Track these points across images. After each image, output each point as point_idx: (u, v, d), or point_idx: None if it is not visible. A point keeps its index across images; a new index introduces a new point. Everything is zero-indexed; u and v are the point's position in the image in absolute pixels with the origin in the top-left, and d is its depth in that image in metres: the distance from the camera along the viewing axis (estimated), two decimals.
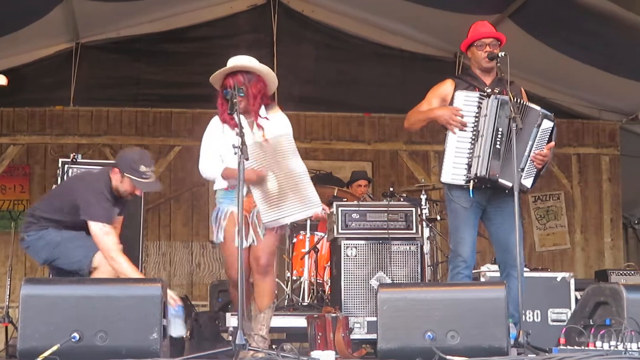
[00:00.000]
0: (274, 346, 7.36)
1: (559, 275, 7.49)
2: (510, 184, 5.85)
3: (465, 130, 5.97)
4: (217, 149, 5.88)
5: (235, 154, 5.33)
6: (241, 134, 5.37)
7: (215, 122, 5.99)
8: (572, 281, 7.44)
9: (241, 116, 5.72)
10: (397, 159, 12.08)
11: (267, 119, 5.99)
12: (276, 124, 6.02)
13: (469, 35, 6.29)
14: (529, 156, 5.99)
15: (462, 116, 5.96)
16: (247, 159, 5.32)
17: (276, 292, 8.46)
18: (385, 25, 11.45)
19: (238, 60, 6.01)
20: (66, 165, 8.05)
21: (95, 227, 5.91)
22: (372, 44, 11.60)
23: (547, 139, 6.05)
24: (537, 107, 6.06)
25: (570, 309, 7.24)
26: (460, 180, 5.98)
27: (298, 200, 5.81)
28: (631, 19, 9.03)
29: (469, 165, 5.94)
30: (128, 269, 5.80)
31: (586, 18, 9.31)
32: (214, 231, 5.91)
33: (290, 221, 5.98)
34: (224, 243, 5.87)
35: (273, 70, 11.21)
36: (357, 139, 12.05)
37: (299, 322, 7.10)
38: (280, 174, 5.80)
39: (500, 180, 5.88)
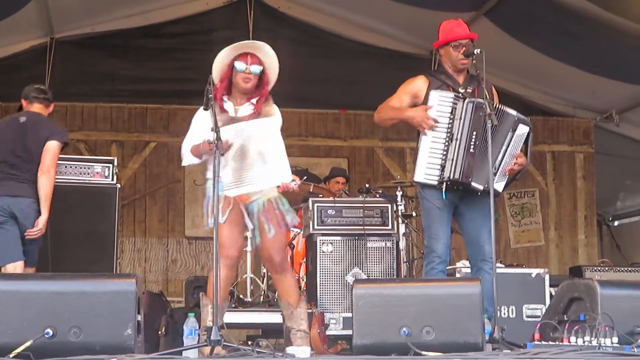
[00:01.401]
0: (249, 342, 7.37)
1: (534, 272, 7.52)
2: (481, 187, 5.88)
3: (439, 131, 5.96)
4: (199, 133, 5.75)
5: (211, 149, 5.33)
6: (216, 130, 5.35)
7: (201, 110, 5.81)
8: (547, 277, 7.48)
9: (230, 102, 5.76)
10: (373, 156, 12.10)
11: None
12: (268, 117, 5.96)
13: (443, 34, 6.26)
14: (502, 161, 6.00)
15: (434, 119, 5.95)
16: (222, 155, 5.31)
17: (252, 287, 8.51)
18: (362, 22, 11.45)
19: (261, 46, 5.98)
20: None
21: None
22: (348, 41, 11.58)
23: (521, 144, 6.07)
24: (513, 112, 6.06)
25: (544, 305, 7.27)
26: (434, 181, 5.99)
27: (264, 171, 5.70)
28: (607, 18, 9.08)
29: (442, 167, 5.94)
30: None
31: (562, 16, 9.35)
32: (206, 217, 5.75)
33: (252, 190, 5.71)
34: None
35: None
36: (333, 135, 12.06)
37: (275, 318, 7.09)
38: (252, 152, 5.68)
39: (472, 183, 5.90)
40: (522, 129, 6.06)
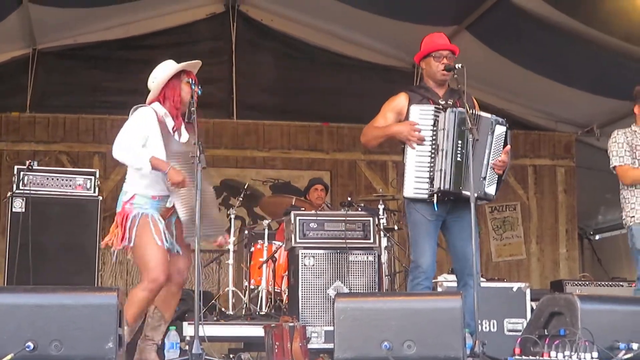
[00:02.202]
0: (231, 355, 7.36)
1: (515, 286, 7.54)
2: (474, 195, 5.89)
3: (423, 144, 5.98)
4: (145, 137, 5.68)
5: (193, 162, 5.33)
6: (198, 143, 5.36)
7: (149, 112, 5.76)
8: (528, 291, 7.49)
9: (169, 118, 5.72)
10: (355, 169, 12.11)
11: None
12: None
13: (424, 46, 6.29)
14: (488, 164, 6.03)
15: (419, 131, 5.97)
16: (204, 168, 5.32)
17: (233, 301, 8.50)
18: (344, 35, 11.49)
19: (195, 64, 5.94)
20: (22, 173, 8.02)
21: None
22: (331, 54, 11.64)
23: (502, 143, 6.10)
24: (488, 115, 6.09)
25: (526, 319, 7.28)
26: (424, 194, 5.99)
27: (213, 221, 5.70)
28: (588, 33, 9.14)
29: (431, 179, 5.95)
30: None
31: (543, 30, 9.41)
32: (132, 234, 5.61)
33: (204, 240, 5.63)
34: (146, 245, 5.59)
35: (232, 79, 11.33)
36: (315, 148, 12.06)
37: (257, 331, 7.08)
38: (204, 187, 5.52)
39: (464, 192, 5.90)
40: (500, 129, 6.09)
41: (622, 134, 6.80)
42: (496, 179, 6.11)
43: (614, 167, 6.76)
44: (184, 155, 5.63)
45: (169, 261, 5.67)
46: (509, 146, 6.12)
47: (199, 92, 5.76)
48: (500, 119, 6.12)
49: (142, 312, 5.71)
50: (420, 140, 5.96)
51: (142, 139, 5.67)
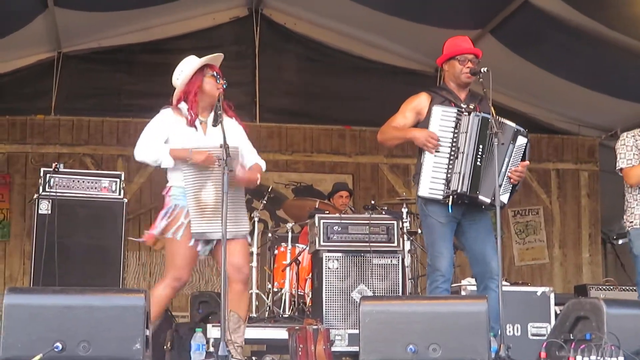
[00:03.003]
0: (254, 358, 7.38)
1: (539, 290, 7.53)
2: (488, 200, 5.90)
3: (442, 145, 5.99)
4: (164, 138, 5.71)
5: (219, 165, 5.35)
6: (225, 145, 5.38)
7: (165, 113, 5.81)
8: (552, 296, 7.48)
9: (199, 118, 5.75)
10: (377, 172, 12.12)
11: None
12: (232, 132, 5.82)
13: (448, 49, 6.29)
14: (505, 172, 6.03)
15: (437, 139, 5.97)
16: (231, 171, 5.34)
17: (257, 303, 8.53)
18: (367, 38, 11.51)
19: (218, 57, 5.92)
20: (48, 175, 8.07)
21: None
22: (354, 57, 11.65)
23: (521, 154, 6.10)
24: (512, 124, 6.10)
25: (550, 323, 7.28)
26: (439, 195, 6.00)
27: (231, 219, 5.58)
28: (612, 36, 9.12)
29: (448, 181, 5.95)
30: None
31: (567, 34, 9.39)
32: (172, 226, 5.66)
33: (219, 238, 5.56)
34: (174, 240, 5.66)
35: (255, 83, 11.36)
36: (338, 151, 12.07)
37: (280, 333, 7.09)
38: (220, 186, 5.47)
39: (480, 197, 5.91)
40: (521, 140, 6.10)
41: (631, 136, 6.78)
42: (510, 188, 6.12)
43: (620, 170, 6.74)
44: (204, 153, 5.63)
45: (218, 254, 5.60)
46: (527, 162, 6.12)
47: (224, 85, 5.76)
48: (522, 130, 6.12)
49: (162, 310, 5.83)
50: (436, 148, 5.96)
51: (161, 138, 5.70)
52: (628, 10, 8.81)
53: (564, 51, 9.93)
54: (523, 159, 6.11)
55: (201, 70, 5.81)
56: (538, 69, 10.48)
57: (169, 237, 5.68)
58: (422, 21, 10.29)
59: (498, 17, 9.72)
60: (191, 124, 5.73)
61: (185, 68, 5.83)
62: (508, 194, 6.12)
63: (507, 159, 6.03)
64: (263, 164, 6.00)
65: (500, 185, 5.96)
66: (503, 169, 6.01)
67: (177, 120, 5.75)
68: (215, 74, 5.79)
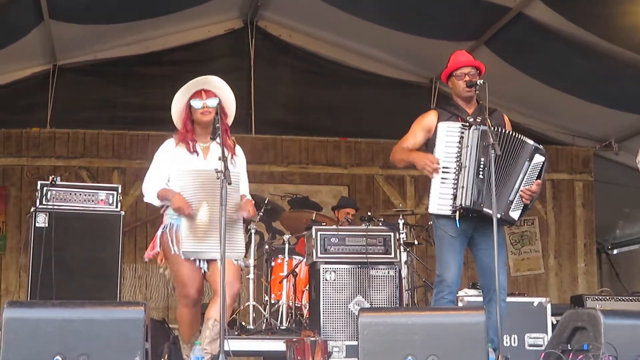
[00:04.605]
0: None
1: (536, 300, 7.56)
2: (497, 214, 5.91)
3: (448, 161, 6.02)
4: (165, 172, 5.89)
5: (218, 178, 5.38)
6: (224, 159, 5.42)
7: (169, 143, 5.98)
8: (549, 306, 7.50)
9: (199, 144, 5.86)
10: (373, 184, 12.13)
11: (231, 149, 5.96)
12: (237, 157, 6.01)
13: (449, 65, 6.33)
14: (519, 189, 6.05)
15: (437, 162, 5.99)
16: (230, 184, 5.37)
17: (254, 315, 8.52)
18: (362, 50, 11.53)
19: (212, 80, 5.98)
20: (45, 188, 8.07)
21: None
22: (349, 69, 11.67)
23: (537, 173, 6.12)
24: (531, 142, 6.12)
25: (546, 334, 7.30)
26: (447, 211, 6.03)
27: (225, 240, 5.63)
28: (607, 47, 9.16)
29: (455, 196, 5.98)
30: None
31: (561, 45, 9.43)
32: (172, 244, 5.80)
33: (208, 258, 5.77)
34: (174, 259, 5.80)
35: (250, 95, 11.34)
36: (333, 163, 12.09)
37: (278, 346, 7.10)
38: (216, 207, 5.56)
39: (484, 209, 5.93)
40: (538, 159, 6.11)
41: None
42: (522, 206, 6.13)
43: None
44: (200, 175, 5.76)
45: (213, 274, 5.72)
46: (540, 181, 6.14)
47: (212, 105, 5.81)
48: (540, 148, 6.14)
49: (191, 328, 5.92)
50: (437, 172, 5.99)
51: (162, 176, 5.88)
52: (621, 21, 8.85)
53: (558, 62, 9.97)
54: (538, 178, 6.14)
55: (189, 101, 5.91)
56: (532, 80, 10.53)
57: (169, 255, 5.81)
58: (416, 33, 10.32)
59: (492, 29, 9.76)
60: (190, 151, 5.88)
61: (174, 106, 5.96)
62: (519, 211, 6.13)
63: (521, 176, 6.05)
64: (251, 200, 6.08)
65: (512, 202, 6.01)
66: (516, 186, 6.04)
67: (179, 149, 5.91)
68: (196, 102, 5.86)
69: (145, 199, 5.98)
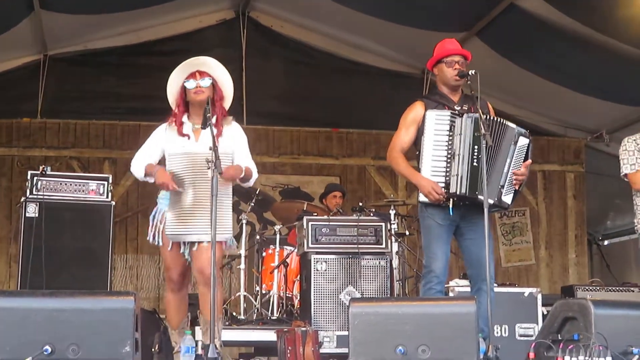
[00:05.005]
0: None
1: (527, 291, 7.57)
2: (490, 201, 5.89)
3: (438, 149, 6.00)
4: (156, 151, 5.89)
5: (209, 168, 5.37)
6: (214, 148, 5.40)
7: (162, 128, 5.98)
8: (540, 296, 7.51)
9: (189, 123, 5.82)
10: (364, 174, 12.14)
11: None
12: (226, 139, 5.90)
13: (436, 52, 6.30)
14: (508, 173, 6.05)
15: (442, 193, 5.93)
16: (220, 174, 5.36)
17: (245, 305, 8.53)
18: (354, 41, 11.51)
19: (207, 60, 5.98)
20: (35, 178, 8.05)
21: None
22: (341, 60, 11.64)
23: (523, 155, 6.12)
24: (513, 125, 6.12)
25: (537, 324, 7.31)
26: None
27: (203, 222, 5.65)
28: (599, 39, 9.16)
29: (447, 184, 5.97)
30: None
31: (553, 37, 9.42)
32: (150, 231, 5.86)
33: (192, 240, 5.73)
34: (164, 242, 5.82)
35: (242, 85, 11.32)
36: (325, 153, 12.09)
37: (269, 336, 7.11)
38: (202, 190, 5.64)
39: (479, 197, 5.92)
40: (523, 141, 6.12)
41: (632, 141, 6.81)
42: (513, 189, 6.13)
43: (625, 175, 6.76)
44: (187, 157, 5.75)
45: (195, 259, 5.74)
46: (530, 161, 6.15)
47: (205, 85, 5.82)
48: (524, 131, 6.15)
49: (177, 313, 5.92)
50: (440, 200, 5.96)
51: (150, 154, 5.88)
52: (614, 13, 8.84)
53: (550, 53, 9.97)
54: (525, 159, 6.14)
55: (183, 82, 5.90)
56: (524, 71, 10.53)
57: (156, 244, 5.82)
58: (408, 24, 10.31)
59: (484, 20, 9.75)
60: (180, 133, 5.84)
61: (169, 87, 5.97)
62: (511, 195, 6.14)
63: (508, 160, 6.04)
64: (254, 169, 5.97)
65: (502, 186, 6.00)
66: (505, 170, 6.03)
67: (171, 132, 5.88)
68: (189, 82, 5.85)
69: (132, 170, 5.96)
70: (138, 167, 5.87)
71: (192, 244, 5.74)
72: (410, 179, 6.20)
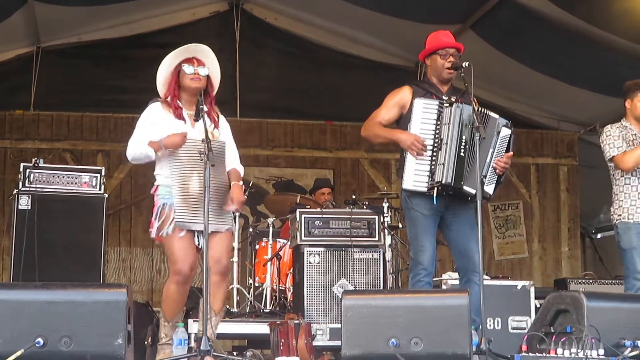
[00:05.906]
0: (235, 353, 7.38)
1: (519, 284, 7.58)
2: (474, 191, 5.89)
3: (425, 137, 5.99)
4: (153, 130, 5.74)
5: (202, 160, 5.36)
6: (207, 140, 5.39)
7: (152, 106, 5.87)
8: (532, 289, 7.52)
9: (186, 111, 5.79)
10: (358, 167, 12.15)
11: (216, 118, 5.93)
12: (220, 130, 5.94)
13: (429, 43, 6.30)
14: (490, 163, 6.04)
15: (423, 143, 5.96)
16: (213, 166, 5.35)
17: (238, 298, 8.52)
18: (348, 34, 11.48)
19: (204, 48, 5.94)
20: (28, 170, 8.04)
21: None
22: (335, 53, 11.62)
23: (506, 145, 6.13)
24: (496, 115, 6.12)
25: (530, 317, 7.32)
26: (423, 187, 6.00)
27: (215, 213, 5.65)
28: (592, 32, 9.16)
29: (432, 172, 5.96)
30: None
31: (547, 29, 9.42)
32: (156, 223, 5.72)
33: (199, 229, 5.64)
34: (169, 237, 5.69)
35: (235, 78, 11.31)
36: (318, 146, 12.09)
37: (261, 328, 7.09)
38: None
39: (465, 187, 5.93)
40: (505, 131, 6.12)
41: (616, 127, 6.87)
42: (495, 179, 6.14)
43: (612, 158, 6.79)
44: (189, 144, 5.67)
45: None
46: (511, 153, 6.15)
47: (203, 73, 5.79)
48: (506, 122, 6.15)
49: (176, 306, 5.81)
50: (421, 153, 5.96)
51: (147, 136, 5.74)
52: (608, 6, 8.84)
53: (544, 46, 9.96)
54: (507, 150, 6.14)
55: (179, 65, 5.83)
56: (518, 64, 10.52)
57: (163, 236, 5.69)
58: (402, 16, 10.29)
59: (478, 12, 9.73)
60: (177, 117, 5.77)
61: (161, 69, 5.89)
62: (493, 185, 6.14)
63: (491, 150, 6.04)
64: (241, 169, 5.99)
65: (485, 176, 5.98)
66: (488, 160, 6.02)
67: (165, 114, 5.80)
68: (187, 67, 5.80)
69: (130, 158, 5.80)
70: (140, 147, 5.72)
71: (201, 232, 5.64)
72: (389, 138, 6.19)
